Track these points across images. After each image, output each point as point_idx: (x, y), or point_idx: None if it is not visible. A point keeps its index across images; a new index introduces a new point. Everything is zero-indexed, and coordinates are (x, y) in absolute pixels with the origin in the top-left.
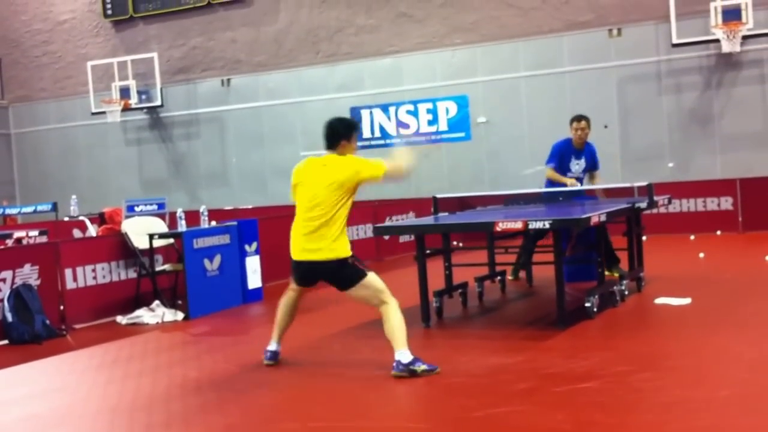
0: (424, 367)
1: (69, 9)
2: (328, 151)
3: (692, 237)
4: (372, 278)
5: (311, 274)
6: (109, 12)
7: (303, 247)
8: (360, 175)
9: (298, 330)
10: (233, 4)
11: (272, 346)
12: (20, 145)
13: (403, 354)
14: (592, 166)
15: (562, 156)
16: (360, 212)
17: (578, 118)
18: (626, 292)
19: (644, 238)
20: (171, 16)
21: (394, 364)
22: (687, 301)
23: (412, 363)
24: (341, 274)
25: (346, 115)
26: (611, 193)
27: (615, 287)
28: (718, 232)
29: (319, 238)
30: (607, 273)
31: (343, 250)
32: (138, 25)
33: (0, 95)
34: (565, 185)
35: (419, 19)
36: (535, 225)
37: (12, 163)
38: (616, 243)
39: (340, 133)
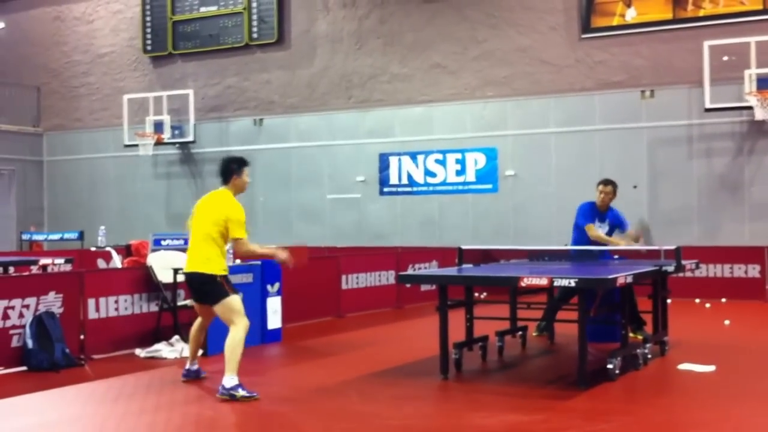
0: (243, 393)
1: (110, 42)
2: (223, 186)
3: (708, 305)
4: (231, 300)
5: (189, 284)
6: (149, 48)
7: (187, 259)
8: (227, 223)
9: (317, 374)
10: (270, 47)
11: (189, 365)
12: (52, 173)
13: (229, 379)
14: (618, 228)
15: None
16: (382, 259)
17: (605, 182)
18: (649, 356)
19: (668, 301)
20: (208, 55)
21: (220, 387)
22: (711, 368)
23: (233, 388)
24: (206, 288)
25: (376, 161)
26: (637, 255)
27: (638, 350)
28: (741, 300)
29: (195, 253)
30: (631, 335)
31: (213, 269)
32: (176, 61)
33: (36, 123)
34: (606, 244)
35: (452, 70)
36: (560, 282)
37: (42, 190)
38: (641, 305)
39: (232, 169)
